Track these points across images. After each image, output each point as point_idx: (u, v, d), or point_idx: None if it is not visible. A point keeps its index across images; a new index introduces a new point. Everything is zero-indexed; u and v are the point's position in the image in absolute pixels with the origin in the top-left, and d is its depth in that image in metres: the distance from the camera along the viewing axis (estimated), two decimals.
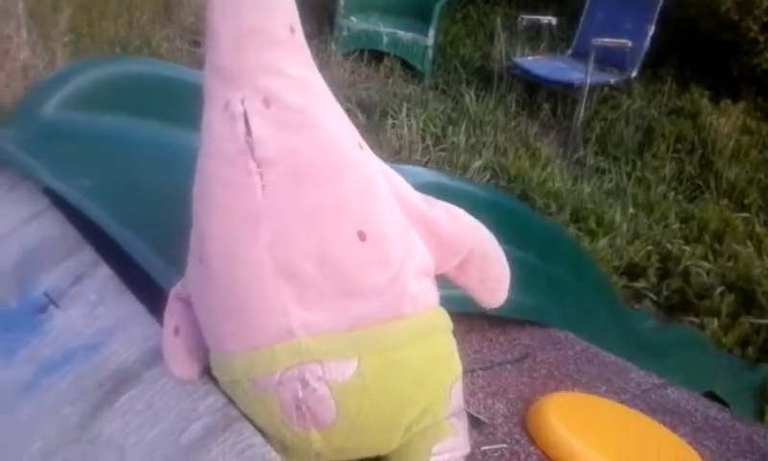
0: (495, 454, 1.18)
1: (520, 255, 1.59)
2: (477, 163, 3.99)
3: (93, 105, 1.87)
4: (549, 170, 4.04)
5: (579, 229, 3.54)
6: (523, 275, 1.52)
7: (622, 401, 1.38)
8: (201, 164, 0.99)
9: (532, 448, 1.20)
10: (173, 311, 1.10)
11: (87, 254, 1.36)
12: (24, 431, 1.11)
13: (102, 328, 1.21)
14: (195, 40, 5.19)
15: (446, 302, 1.08)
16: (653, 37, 4.79)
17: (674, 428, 1.30)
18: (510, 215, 1.86)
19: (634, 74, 4.82)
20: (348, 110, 4.24)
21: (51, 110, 1.86)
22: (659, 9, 4.79)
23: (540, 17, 5.26)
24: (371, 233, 0.95)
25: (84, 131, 1.79)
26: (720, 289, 3.10)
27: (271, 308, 0.94)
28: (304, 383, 0.93)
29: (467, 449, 1.08)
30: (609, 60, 4.75)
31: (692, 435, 1.31)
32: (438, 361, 1.04)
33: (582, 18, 5.21)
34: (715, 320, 2.94)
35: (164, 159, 1.65)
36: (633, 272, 3.27)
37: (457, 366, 1.07)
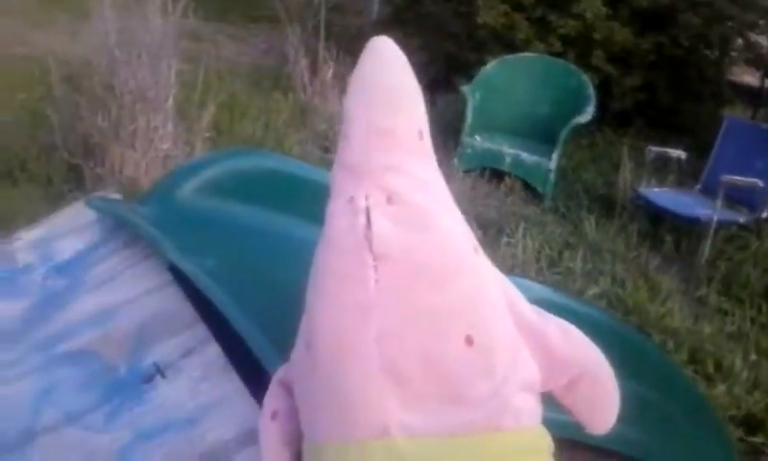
0: None
1: (633, 387, 1.52)
2: (593, 291, 3.90)
3: (227, 193, 1.97)
4: (669, 305, 3.88)
5: (696, 371, 3.36)
6: (635, 408, 1.44)
7: None
8: (318, 254, 1.02)
9: None
10: (274, 395, 1.11)
11: (200, 330, 1.41)
12: None
13: (203, 404, 1.24)
14: (325, 146, 5.43)
15: (552, 425, 1.05)
16: None
17: None
18: (626, 344, 1.79)
19: (764, 214, 4.64)
20: None
21: (186, 194, 1.97)
22: None
23: (669, 150, 5.18)
24: (478, 339, 0.95)
25: (214, 217, 1.88)
26: None
27: (370, 403, 0.93)
28: None
29: None
30: (738, 198, 4.61)
31: None
32: None
33: (712, 154, 5.11)
34: None
35: (286, 250, 1.72)
36: (751, 424, 3.05)
37: None
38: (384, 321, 0.93)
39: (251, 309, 1.36)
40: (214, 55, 6.51)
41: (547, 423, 1.04)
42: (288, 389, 1.08)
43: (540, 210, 5.03)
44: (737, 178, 4.49)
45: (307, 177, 2.08)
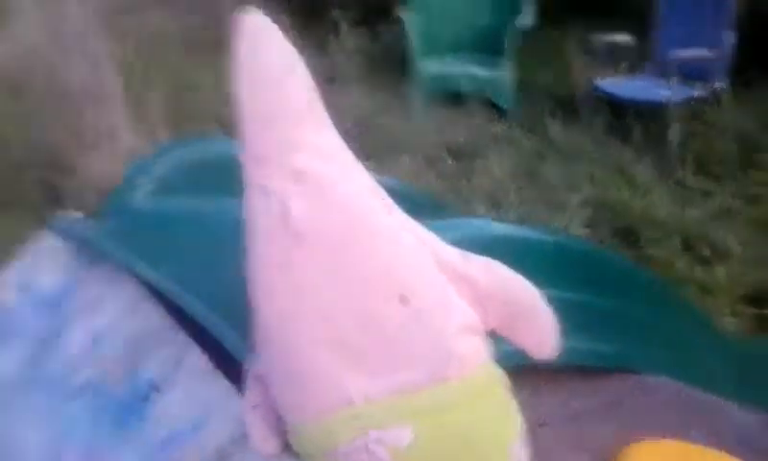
0: None
1: (595, 302, 1.55)
2: (576, 200, 3.85)
3: (178, 188, 1.97)
4: (650, 197, 3.85)
5: (693, 257, 3.35)
6: (599, 322, 1.47)
7: (721, 447, 1.31)
8: (247, 247, 1.05)
9: None
10: (251, 388, 1.15)
11: (182, 339, 1.44)
12: None
13: (200, 409, 1.28)
14: None
15: (514, 355, 1.08)
16: (737, 43, 4.55)
17: None
18: (581, 260, 1.77)
19: (717, 85, 4.55)
20: (437, 157, 4.14)
21: (140, 199, 1.96)
22: (734, 12, 4.56)
23: (617, 37, 5.02)
24: (412, 297, 0.99)
25: (170, 216, 1.88)
26: None
27: (327, 378, 0.98)
28: (370, 453, 0.96)
29: None
30: (692, 73, 4.51)
31: None
32: (492, 420, 1.04)
33: (657, 33, 5.00)
34: None
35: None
36: (759, 298, 3.05)
37: (516, 424, 1.07)
38: (318, 299, 0.97)
39: (222, 309, 1.38)
40: (143, 27, 6.20)
41: (509, 355, 1.08)
42: (263, 382, 1.11)
43: (506, 127, 4.93)
44: (686, 52, 4.44)
45: None
